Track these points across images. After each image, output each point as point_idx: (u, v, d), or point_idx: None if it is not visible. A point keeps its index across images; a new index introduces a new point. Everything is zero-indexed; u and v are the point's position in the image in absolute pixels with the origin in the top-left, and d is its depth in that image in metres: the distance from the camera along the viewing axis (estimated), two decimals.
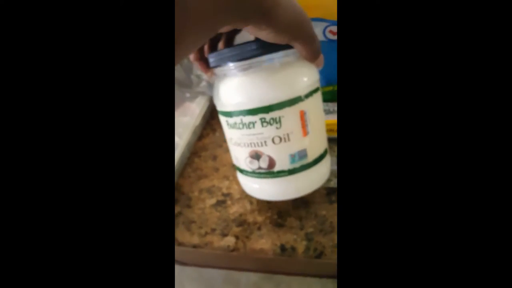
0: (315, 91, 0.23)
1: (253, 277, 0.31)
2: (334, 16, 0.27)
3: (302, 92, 0.22)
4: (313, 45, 0.19)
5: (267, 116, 0.21)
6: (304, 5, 0.26)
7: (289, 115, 0.22)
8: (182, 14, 0.12)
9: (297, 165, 0.24)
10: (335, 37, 0.28)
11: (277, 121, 0.22)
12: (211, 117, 0.43)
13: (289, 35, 0.18)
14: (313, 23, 0.27)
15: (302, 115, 0.22)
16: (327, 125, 0.32)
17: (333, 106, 0.33)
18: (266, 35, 0.17)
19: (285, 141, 0.23)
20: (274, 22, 0.16)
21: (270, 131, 0.22)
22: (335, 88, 0.34)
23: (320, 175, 0.26)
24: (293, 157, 0.23)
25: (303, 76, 0.22)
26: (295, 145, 0.23)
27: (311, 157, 0.24)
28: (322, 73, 0.33)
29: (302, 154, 0.24)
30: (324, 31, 0.28)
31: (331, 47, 0.29)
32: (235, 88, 0.22)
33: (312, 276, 0.29)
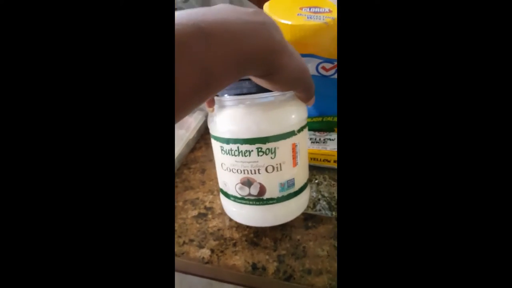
0: (304, 126, 0.25)
1: None
2: (326, 53, 0.29)
3: (296, 127, 0.24)
4: (310, 92, 0.21)
5: (264, 147, 0.23)
6: (300, 43, 0.28)
7: (283, 147, 0.24)
8: (206, 76, 0.14)
9: (285, 193, 0.26)
10: (326, 73, 0.31)
11: (272, 151, 0.23)
12: (206, 131, 0.45)
13: (292, 88, 0.19)
14: (307, 59, 0.29)
15: (294, 147, 0.24)
16: (313, 153, 0.34)
17: (321, 136, 0.35)
18: (271, 87, 0.19)
19: (277, 170, 0.24)
20: (279, 80, 0.17)
21: (264, 160, 0.24)
22: (324, 119, 0.36)
23: (303, 203, 0.28)
24: (282, 186, 0.25)
25: (297, 113, 0.24)
26: (286, 175, 0.25)
27: (297, 186, 0.26)
28: (314, 105, 0.35)
29: (291, 183, 0.25)
30: (317, 67, 0.30)
31: (322, 82, 0.32)
32: (235, 117, 0.24)
33: None
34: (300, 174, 0.26)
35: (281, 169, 0.24)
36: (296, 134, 0.24)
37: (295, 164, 0.25)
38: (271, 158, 0.24)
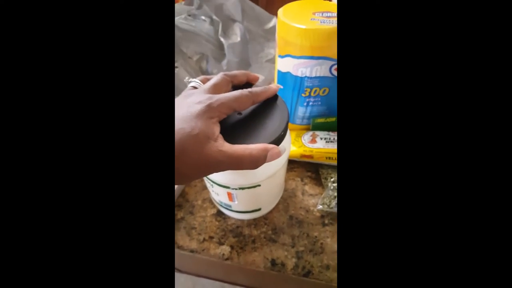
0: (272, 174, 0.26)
1: None
2: None
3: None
4: (257, 162, 0.20)
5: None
6: (314, 46, 0.29)
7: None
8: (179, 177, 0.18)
9: None
10: None
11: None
12: None
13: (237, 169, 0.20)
14: (321, 61, 0.31)
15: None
16: (327, 152, 0.34)
17: (335, 135, 0.36)
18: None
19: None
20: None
21: None
22: None
23: None
24: None
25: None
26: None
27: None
28: (328, 105, 0.36)
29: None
30: (331, 69, 0.31)
31: (335, 83, 0.33)
32: None
33: None
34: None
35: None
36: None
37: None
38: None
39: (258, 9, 0.56)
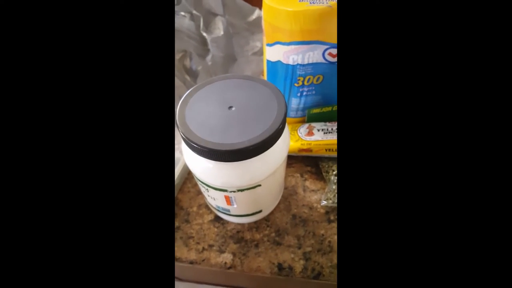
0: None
1: None
2: (333, 39, 0.28)
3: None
4: None
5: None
6: (304, 30, 0.27)
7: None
8: None
9: None
10: (334, 59, 0.30)
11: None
12: None
13: None
14: (313, 46, 0.28)
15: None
16: (327, 144, 0.32)
17: (332, 125, 0.34)
18: None
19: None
20: None
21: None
22: (334, 108, 0.35)
23: None
24: None
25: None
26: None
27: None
28: (323, 94, 0.34)
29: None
30: (324, 54, 0.29)
31: (330, 69, 0.31)
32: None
33: None
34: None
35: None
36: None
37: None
38: None
39: (239, 1, 0.53)
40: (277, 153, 0.22)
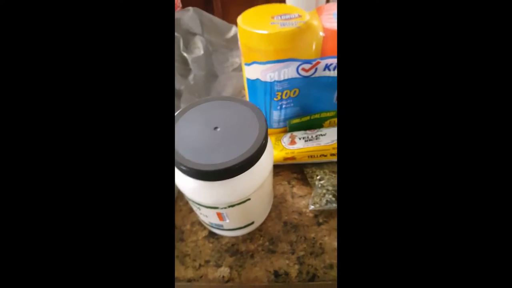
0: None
1: None
2: (304, 55, 0.31)
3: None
4: None
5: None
6: (278, 49, 0.29)
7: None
8: None
9: None
10: (307, 73, 0.32)
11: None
12: None
13: None
14: (288, 63, 0.31)
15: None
16: (309, 151, 0.34)
17: (312, 133, 0.36)
18: None
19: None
20: None
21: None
22: (312, 117, 0.37)
23: None
24: None
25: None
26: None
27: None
28: (301, 105, 0.36)
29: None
30: (298, 69, 0.31)
31: (305, 82, 0.33)
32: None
33: None
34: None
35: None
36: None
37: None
38: None
39: (216, 19, 0.55)
40: (263, 167, 0.23)
